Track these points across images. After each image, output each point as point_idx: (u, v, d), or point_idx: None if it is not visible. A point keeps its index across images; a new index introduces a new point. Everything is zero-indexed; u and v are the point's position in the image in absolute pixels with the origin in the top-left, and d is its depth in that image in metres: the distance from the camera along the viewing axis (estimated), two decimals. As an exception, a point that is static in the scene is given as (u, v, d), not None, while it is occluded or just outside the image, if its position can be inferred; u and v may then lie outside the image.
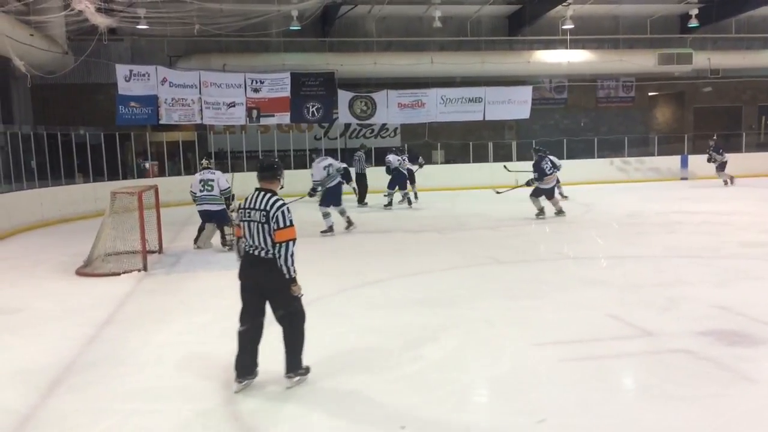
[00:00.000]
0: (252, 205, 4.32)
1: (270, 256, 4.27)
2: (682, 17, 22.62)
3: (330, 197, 11.09)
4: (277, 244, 4.22)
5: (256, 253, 4.32)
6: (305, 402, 4.27)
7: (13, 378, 4.84)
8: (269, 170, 4.47)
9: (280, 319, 4.42)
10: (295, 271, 4.28)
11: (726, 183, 18.48)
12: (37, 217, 13.61)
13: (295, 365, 4.48)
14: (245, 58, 19.64)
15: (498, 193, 13.79)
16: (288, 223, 4.24)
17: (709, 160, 18.52)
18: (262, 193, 4.36)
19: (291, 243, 4.25)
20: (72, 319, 6.40)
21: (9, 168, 13.56)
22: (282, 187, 4.52)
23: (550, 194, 12.44)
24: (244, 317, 4.45)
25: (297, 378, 4.46)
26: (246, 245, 4.39)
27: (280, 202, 4.29)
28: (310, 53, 20.49)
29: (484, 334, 5.57)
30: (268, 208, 4.26)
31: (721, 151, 18.58)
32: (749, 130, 24.80)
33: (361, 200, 16.34)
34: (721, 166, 18.49)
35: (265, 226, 4.24)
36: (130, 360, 5.16)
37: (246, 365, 4.44)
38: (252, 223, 4.30)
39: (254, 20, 16.67)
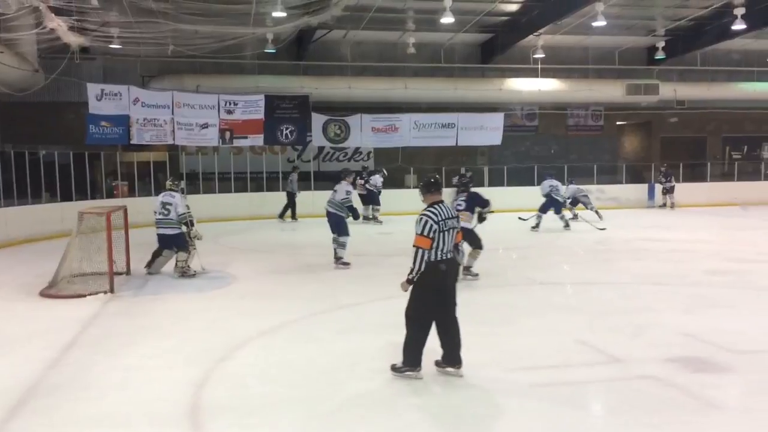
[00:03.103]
0: (447, 216, 4.93)
1: (453, 257, 5.01)
2: (649, 49, 23.21)
3: None
4: (458, 244, 5.07)
5: (450, 256, 4.95)
6: (273, 425, 4.22)
7: (-29, 402, 4.70)
8: (440, 185, 5.21)
9: (453, 314, 5.06)
10: None
11: (665, 206, 21.17)
12: (2, 236, 13.32)
13: (459, 357, 5.01)
14: (219, 79, 19.61)
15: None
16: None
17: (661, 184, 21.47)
18: (442, 203, 5.02)
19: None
20: (35, 342, 6.24)
21: (-26, 186, 13.30)
22: None
23: (471, 240, 9.00)
24: (426, 321, 4.97)
25: (458, 370, 5.01)
26: (439, 254, 4.87)
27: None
28: (284, 76, 20.51)
29: (455, 359, 5.56)
30: (455, 214, 5.06)
31: (670, 177, 21.29)
32: (714, 160, 25.41)
33: (293, 216, 18.17)
34: (669, 190, 21.22)
35: (454, 231, 4.98)
36: (95, 384, 5.05)
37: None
38: (451, 231, 4.93)
39: (229, 42, 16.68)
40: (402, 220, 17.10)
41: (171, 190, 9.78)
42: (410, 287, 4.93)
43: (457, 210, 8.93)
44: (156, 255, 9.89)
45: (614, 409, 4.47)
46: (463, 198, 9.32)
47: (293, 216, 18.29)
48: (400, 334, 6.32)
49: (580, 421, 4.29)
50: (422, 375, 4.95)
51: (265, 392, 4.82)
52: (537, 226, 14.88)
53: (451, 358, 5.03)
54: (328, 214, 10.39)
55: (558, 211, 15.05)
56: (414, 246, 4.84)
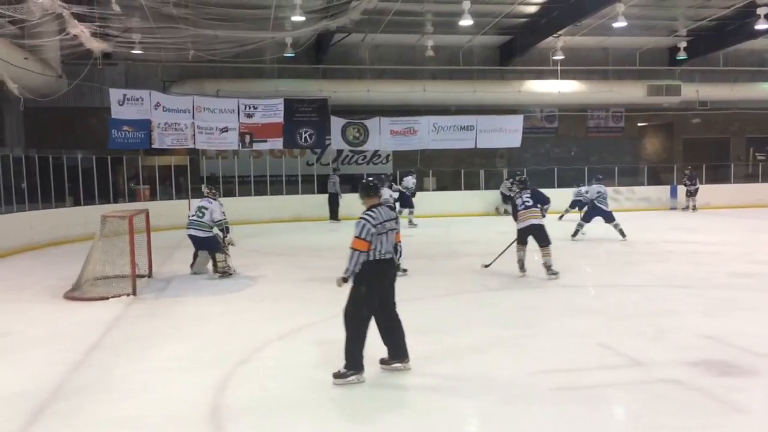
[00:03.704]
0: (385, 218, 5.08)
1: (391, 257, 5.15)
2: (671, 50, 23.00)
3: None
4: (398, 244, 5.27)
5: (389, 257, 5.10)
6: (293, 427, 4.23)
7: (-3, 403, 4.77)
8: (374, 188, 5.29)
9: (394, 311, 5.23)
10: None
11: (687, 209, 20.71)
12: (26, 240, 13.53)
13: (406, 351, 5.21)
14: (239, 83, 19.76)
15: (486, 266, 10.24)
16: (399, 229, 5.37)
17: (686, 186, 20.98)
18: (382, 207, 5.17)
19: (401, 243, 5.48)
20: (59, 344, 6.32)
21: (-1, 190, 13.51)
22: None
23: (540, 238, 9.37)
24: (366, 318, 5.06)
25: (406, 364, 5.20)
26: (378, 255, 5.01)
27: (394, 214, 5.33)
28: (303, 80, 20.64)
29: (475, 362, 5.54)
30: (394, 216, 5.22)
31: (695, 180, 20.85)
32: (737, 161, 25.08)
33: (335, 217, 18.75)
34: (693, 193, 20.80)
35: (393, 233, 5.15)
36: (117, 386, 5.10)
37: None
38: (389, 233, 5.10)
39: (249, 47, 16.81)
40: (421, 222, 17.12)
41: (208, 197, 10.09)
42: (344, 284, 5.03)
43: (526, 207, 9.40)
44: (196, 256, 10.21)
45: (636, 413, 4.41)
46: (528, 195, 9.51)
47: (335, 216, 18.73)
48: (418, 336, 6.33)
49: (601, 425, 4.25)
50: (365, 378, 4.96)
51: (285, 394, 4.84)
52: (576, 234, 13.48)
53: (398, 353, 5.20)
54: None
55: (610, 219, 13.30)
56: (350, 248, 4.98)
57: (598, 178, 14.05)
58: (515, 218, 9.67)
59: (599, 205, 13.30)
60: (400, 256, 5.41)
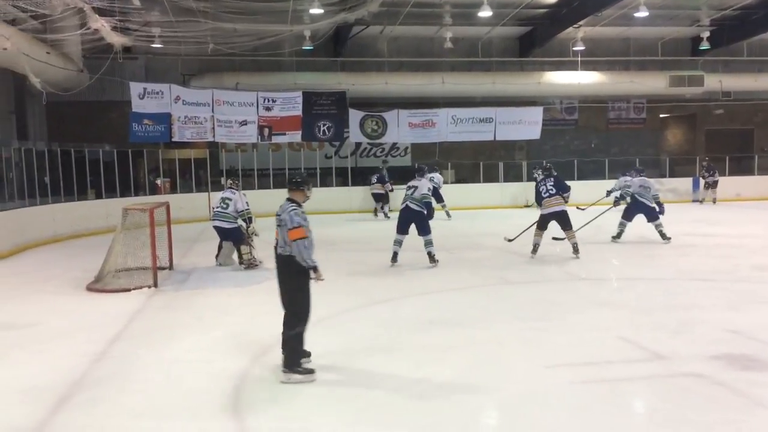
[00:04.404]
0: (279, 213, 5.19)
1: (285, 253, 5.05)
2: (694, 40, 22.66)
3: None
4: (292, 243, 4.99)
5: (279, 251, 5.13)
6: (311, 421, 4.25)
7: (21, 394, 4.84)
8: (292, 183, 5.34)
9: (285, 314, 5.10)
10: (313, 262, 5.03)
11: (702, 201, 20.66)
12: (50, 232, 13.71)
13: (289, 362, 4.99)
14: (258, 76, 19.81)
15: (509, 240, 11.37)
16: (295, 225, 4.99)
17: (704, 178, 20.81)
18: (286, 202, 5.21)
19: (300, 241, 4.97)
20: (81, 335, 6.40)
21: (23, 184, 13.68)
22: (308, 198, 5.32)
23: (564, 223, 10.22)
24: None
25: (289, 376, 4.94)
26: (278, 246, 5.17)
27: (291, 208, 5.11)
28: (322, 72, 20.65)
29: (493, 355, 5.53)
30: (281, 213, 5.13)
31: (713, 172, 20.63)
32: (761, 153, 24.67)
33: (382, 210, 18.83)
34: (712, 185, 20.57)
35: (283, 228, 5.06)
36: (139, 377, 5.16)
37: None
38: (280, 227, 5.14)
39: (267, 40, 16.85)
40: (440, 215, 17.07)
41: (231, 188, 10.31)
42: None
43: (550, 194, 10.20)
44: (221, 247, 10.37)
45: (657, 407, 4.37)
46: (552, 183, 10.26)
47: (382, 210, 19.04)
48: (436, 328, 6.34)
49: (621, 419, 4.21)
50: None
51: (304, 386, 4.86)
52: (619, 236, 12.09)
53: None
54: (410, 211, 9.71)
55: (653, 218, 11.85)
56: None
57: (638, 170, 12.95)
58: (539, 203, 10.47)
59: (641, 199, 11.89)
60: (302, 256, 4.95)
